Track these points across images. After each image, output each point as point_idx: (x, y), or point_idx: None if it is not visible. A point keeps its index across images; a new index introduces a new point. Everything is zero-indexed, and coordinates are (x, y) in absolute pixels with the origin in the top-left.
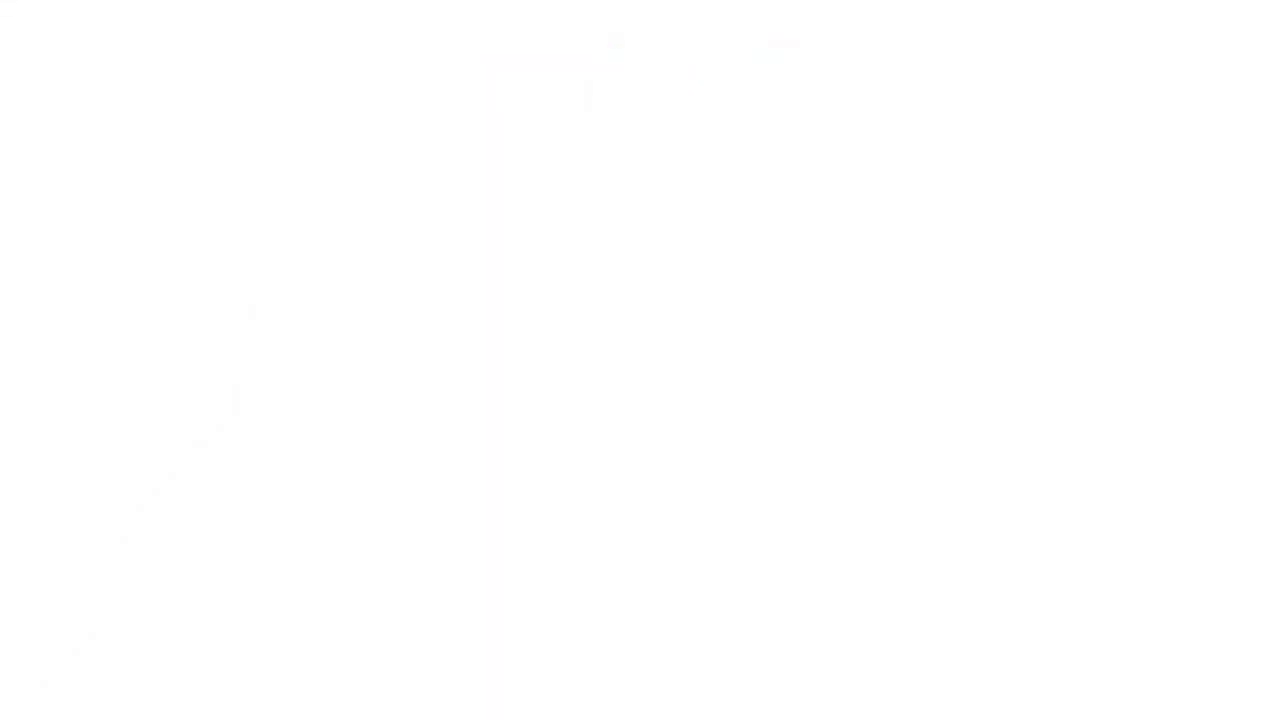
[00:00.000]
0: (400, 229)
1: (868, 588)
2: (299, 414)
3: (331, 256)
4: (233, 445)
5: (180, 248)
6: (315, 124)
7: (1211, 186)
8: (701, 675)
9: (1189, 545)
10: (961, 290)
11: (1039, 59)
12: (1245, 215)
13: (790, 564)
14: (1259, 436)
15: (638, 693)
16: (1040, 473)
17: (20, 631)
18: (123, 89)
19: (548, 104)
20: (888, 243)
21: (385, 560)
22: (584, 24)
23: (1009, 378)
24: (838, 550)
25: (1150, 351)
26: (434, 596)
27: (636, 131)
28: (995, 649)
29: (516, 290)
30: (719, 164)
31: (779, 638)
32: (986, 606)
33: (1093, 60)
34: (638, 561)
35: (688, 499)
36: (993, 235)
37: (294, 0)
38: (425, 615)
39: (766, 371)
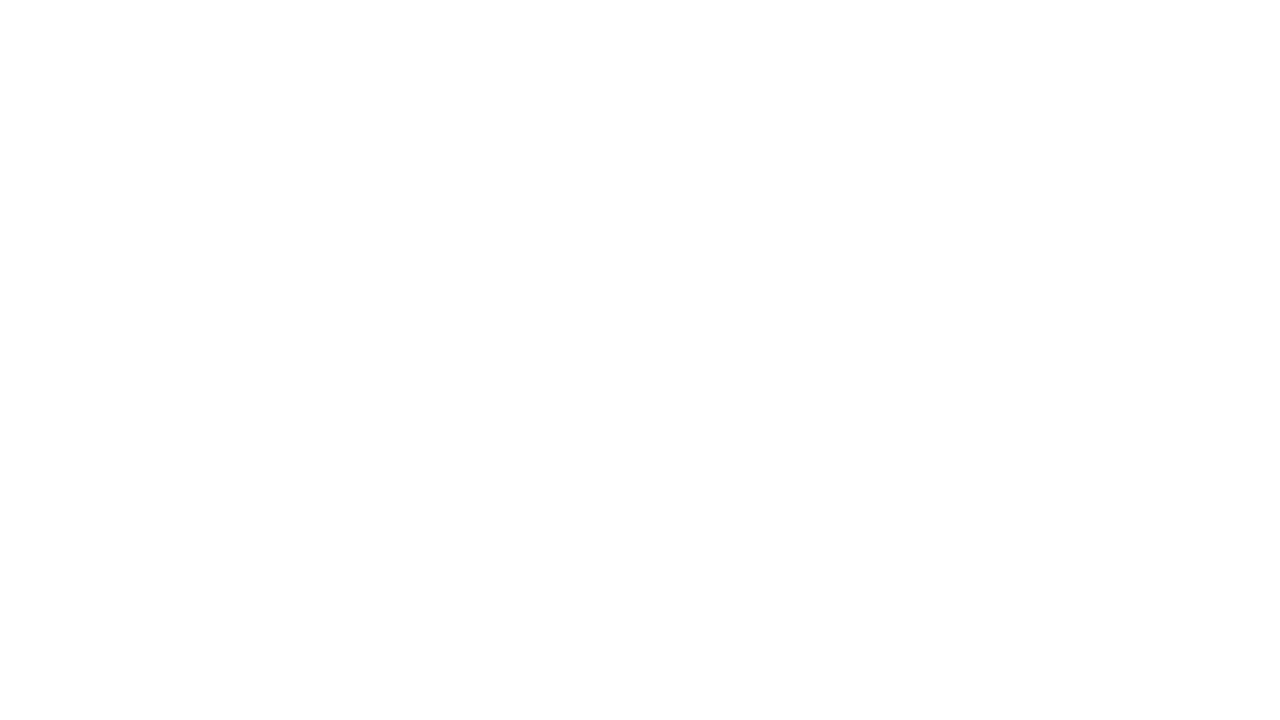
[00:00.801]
0: (400, 228)
1: (866, 587)
2: (298, 414)
3: (330, 256)
4: (231, 439)
5: (180, 247)
6: (316, 124)
7: (1211, 185)
8: (699, 675)
9: (1189, 545)
10: (960, 289)
11: (1039, 58)
12: (1245, 215)
13: (788, 562)
14: (1259, 436)
15: (636, 692)
16: (1039, 471)
17: (19, 630)
18: (123, 89)
19: (547, 100)
20: (886, 242)
21: (384, 558)
22: (584, 25)
23: (1007, 377)
24: (837, 549)
25: (1149, 350)
26: (432, 595)
27: (636, 130)
28: (994, 649)
29: (516, 289)
30: (717, 163)
31: (777, 636)
32: (985, 606)
33: (1092, 60)
34: (636, 559)
35: (685, 497)
36: (991, 234)
37: (295, 1)
38: (424, 613)
39: (766, 370)
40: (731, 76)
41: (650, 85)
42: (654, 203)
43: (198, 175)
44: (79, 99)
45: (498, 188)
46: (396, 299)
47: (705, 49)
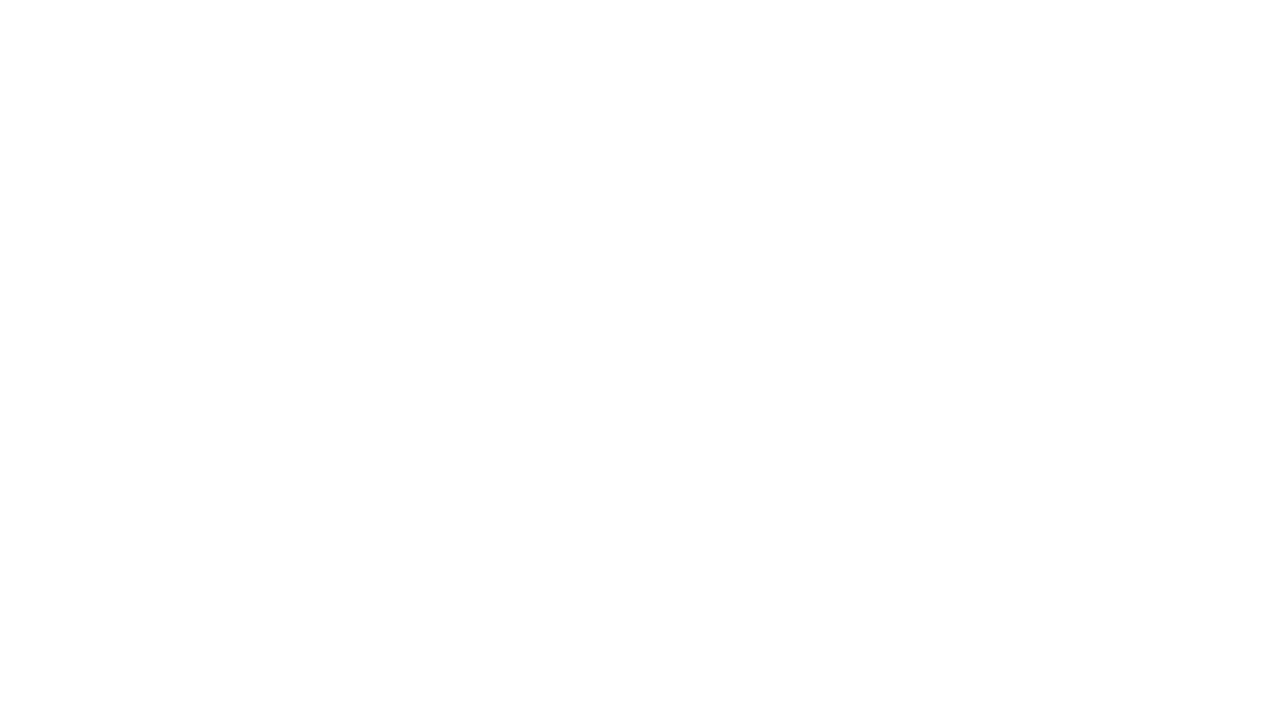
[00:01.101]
0: (400, 228)
1: (865, 587)
2: (297, 412)
3: (331, 255)
4: (231, 440)
5: (180, 246)
6: (317, 124)
7: (1211, 186)
8: (697, 675)
9: (1189, 545)
10: (960, 289)
11: (1039, 58)
12: (1244, 215)
13: (787, 562)
14: (1259, 437)
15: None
16: (1038, 472)
17: (19, 629)
18: (123, 89)
19: (547, 100)
20: (886, 241)
21: (383, 556)
22: (585, 26)
23: (1006, 377)
24: (836, 549)
25: (1149, 351)
26: (429, 594)
27: (636, 129)
28: (994, 650)
29: (517, 288)
30: (717, 162)
31: (776, 636)
32: (985, 606)
33: (1092, 60)
34: (635, 558)
35: (683, 496)
36: (991, 234)
37: (296, 1)
38: (422, 612)
39: (766, 370)
40: (732, 76)
41: (650, 85)
42: (654, 203)
43: (198, 175)
44: (79, 99)
45: (498, 188)
46: (396, 299)
47: (705, 49)
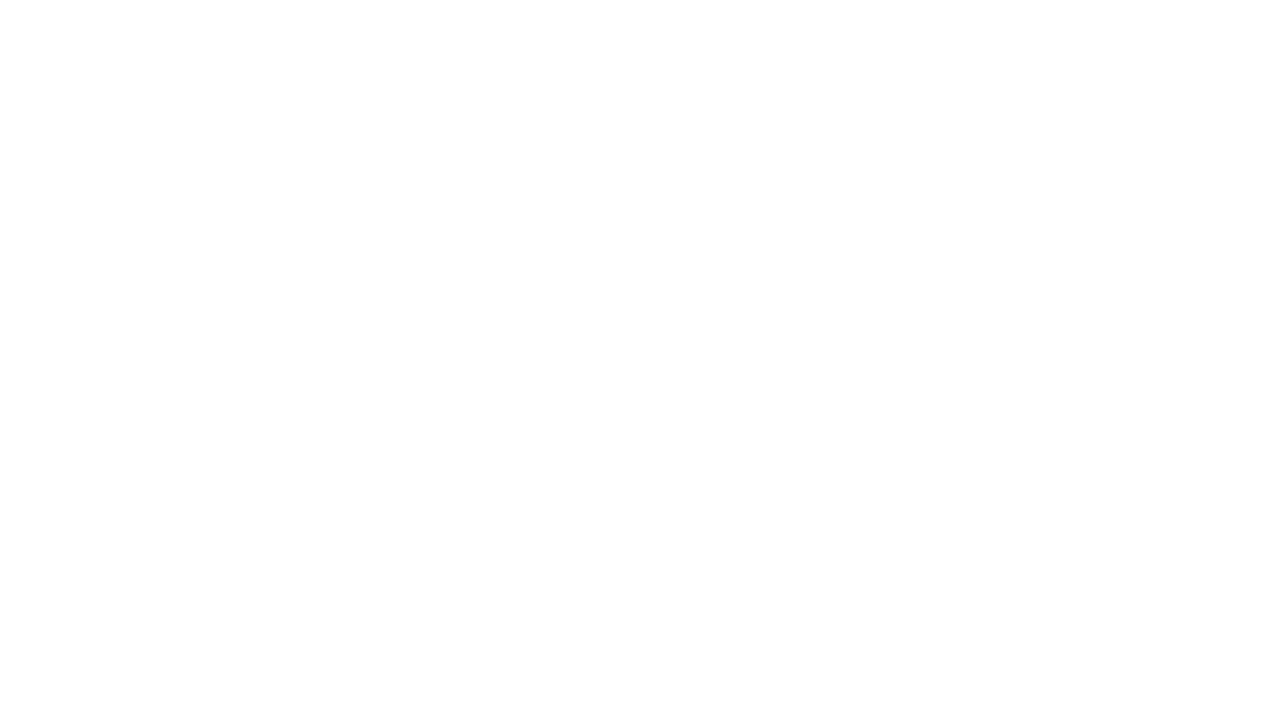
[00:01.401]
0: (400, 228)
1: (865, 587)
2: (297, 412)
3: (331, 255)
4: (231, 439)
5: (180, 246)
6: (317, 124)
7: (1211, 186)
8: (696, 675)
9: (1189, 545)
10: (960, 289)
11: (1039, 58)
12: (1244, 215)
13: (787, 561)
14: (1259, 437)
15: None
16: (1038, 472)
17: (19, 628)
18: (123, 89)
19: (547, 100)
20: (886, 242)
21: (383, 556)
22: (585, 25)
23: (1007, 377)
24: (836, 549)
25: (1149, 351)
26: (430, 593)
27: (636, 128)
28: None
29: (517, 288)
30: (717, 162)
31: (776, 636)
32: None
33: (1092, 60)
34: (635, 558)
35: (683, 496)
36: (991, 234)
37: (296, 1)
38: (423, 611)
39: (766, 370)
40: (732, 76)
41: (650, 85)
42: (654, 203)
43: (198, 175)
44: (79, 99)
45: (498, 188)
46: (396, 299)
47: (705, 49)
